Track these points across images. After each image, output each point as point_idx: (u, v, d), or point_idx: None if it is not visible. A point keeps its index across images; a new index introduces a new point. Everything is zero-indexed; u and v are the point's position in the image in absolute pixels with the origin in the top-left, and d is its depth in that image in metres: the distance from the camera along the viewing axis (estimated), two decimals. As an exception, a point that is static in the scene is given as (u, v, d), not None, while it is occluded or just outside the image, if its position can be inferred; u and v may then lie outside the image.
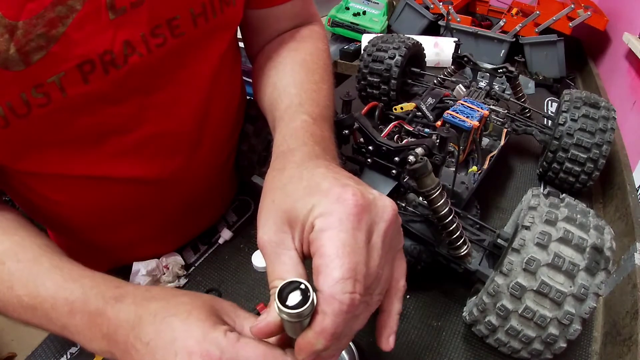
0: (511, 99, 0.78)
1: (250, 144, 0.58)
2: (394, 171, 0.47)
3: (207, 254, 0.60)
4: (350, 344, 0.44)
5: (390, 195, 0.46)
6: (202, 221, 0.62)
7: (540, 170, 0.71)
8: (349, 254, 0.26)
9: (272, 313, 0.27)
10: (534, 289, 0.39)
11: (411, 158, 0.42)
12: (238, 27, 0.51)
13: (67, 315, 0.32)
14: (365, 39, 1.16)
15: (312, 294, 0.26)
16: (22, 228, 0.39)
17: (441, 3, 1.22)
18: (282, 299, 0.26)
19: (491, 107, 0.69)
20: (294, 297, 0.26)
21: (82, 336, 0.32)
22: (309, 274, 0.28)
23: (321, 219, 0.27)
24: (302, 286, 0.26)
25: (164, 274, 0.54)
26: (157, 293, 0.32)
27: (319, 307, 0.26)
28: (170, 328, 0.28)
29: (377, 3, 1.32)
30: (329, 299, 0.25)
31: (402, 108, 0.71)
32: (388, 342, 0.31)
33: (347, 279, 0.25)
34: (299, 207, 0.28)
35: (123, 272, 0.53)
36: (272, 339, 0.29)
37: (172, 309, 0.29)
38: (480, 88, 0.77)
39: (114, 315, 0.31)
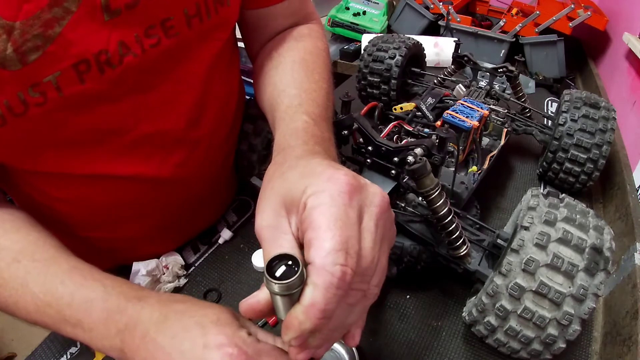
0: (511, 98, 0.78)
1: (250, 144, 0.58)
2: (393, 171, 0.47)
3: (207, 254, 0.60)
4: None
5: (389, 195, 0.46)
6: (202, 221, 0.62)
7: (540, 170, 0.71)
8: (340, 227, 0.26)
9: (263, 290, 0.27)
10: (533, 289, 0.38)
11: (410, 158, 0.43)
12: (237, 27, 0.51)
13: (84, 312, 0.33)
14: (366, 39, 1.16)
15: (301, 266, 0.25)
16: (34, 228, 0.40)
17: (441, 3, 1.22)
18: (272, 272, 0.26)
19: (491, 106, 0.69)
20: (283, 270, 0.26)
21: (95, 333, 0.33)
22: None
23: (313, 197, 0.27)
24: (292, 259, 0.26)
25: (164, 274, 0.54)
26: (182, 297, 0.34)
27: (308, 280, 0.25)
28: (200, 325, 0.30)
29: (377, 3, 1.32)
30: (319, 270, 0.25)
31: (401, 108, 0.71)
32: (353, 337, 0.31)
33: (339, 251, 0.25)
34: (294, 190, 0.29)
35: (123, 272, 0.53)
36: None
37: (201, 311, 0.32)
38: (480, 88, 0.76)
39: (136, 312, 0.32)
